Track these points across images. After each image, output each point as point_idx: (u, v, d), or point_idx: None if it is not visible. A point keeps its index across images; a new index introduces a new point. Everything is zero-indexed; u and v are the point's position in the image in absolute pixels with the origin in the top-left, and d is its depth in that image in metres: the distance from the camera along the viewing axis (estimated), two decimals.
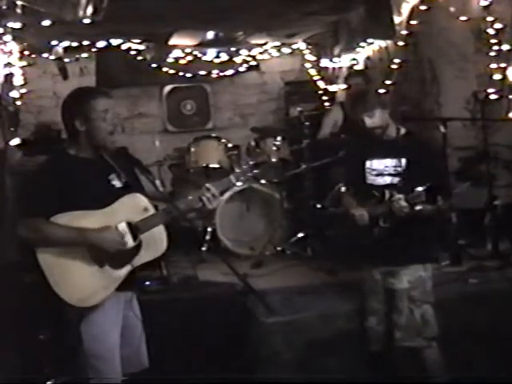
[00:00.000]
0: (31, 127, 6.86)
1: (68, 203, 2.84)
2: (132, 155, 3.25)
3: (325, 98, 7.75)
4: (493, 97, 5.03)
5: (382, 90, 5.07)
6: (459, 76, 5.36)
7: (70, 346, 2.94)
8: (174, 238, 3.02)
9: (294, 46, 8.13)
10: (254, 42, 7.83)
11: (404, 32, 5.77)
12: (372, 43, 6.52)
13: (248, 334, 3.97)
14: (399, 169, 3.57)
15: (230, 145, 5.98)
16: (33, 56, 7.10)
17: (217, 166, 5.78)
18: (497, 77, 5.00)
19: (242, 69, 8.09)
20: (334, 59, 7.51)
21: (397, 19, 5.85)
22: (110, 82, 7.24)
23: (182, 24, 6.68)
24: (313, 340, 3.89)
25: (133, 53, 7.48)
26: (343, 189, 3.91)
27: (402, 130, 3.67)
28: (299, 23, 6.92)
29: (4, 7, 4.74)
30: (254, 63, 8.13)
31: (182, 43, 7.55)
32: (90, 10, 4.88)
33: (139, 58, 7.52)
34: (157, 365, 3.23)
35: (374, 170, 3.64)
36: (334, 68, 7.67)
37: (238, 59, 8.02)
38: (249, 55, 8.04)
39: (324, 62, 7.87)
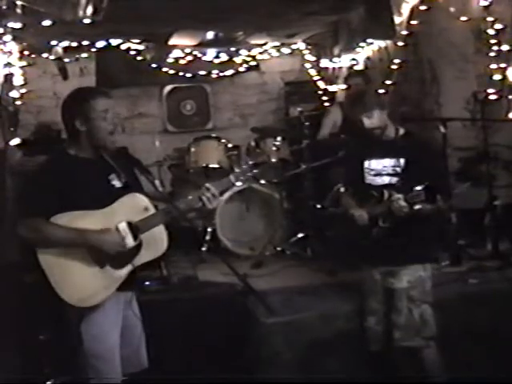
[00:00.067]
0: (31, 127, 6.85)
1: (68, 203, 2.84)
2: (132, 155, 3.25)
3: (325, 98, 7.75)
4: (493, 97, 5.03)
5: (381, 91, 5.07)
6: (459, 76, 5.36)
7: (70, 346, 2.93)
8: (174, 238, 3.02)
9: (294, 46, 8.13)
10: (253, 42, 7.82)
11: (404, 32, 5.77)
12: (372, 43, 6.52)
13: (248, 334, 3.97)
14: (398, 169, 3.58)
15: (229, 145, 5.98)
16: (33, 56, 7.10)
17: (217, 166, 5.78)
18: (497, 77, 5.00)
19: (241, 69, 8.09)
20: (334, 59, 7.51)
21: (397, 19, 5.85)
22: (109, 82, 7.24)
23: (181, 24, 6.68)
24: (313, 340, 3.89)
25: (132, 53, 7.48)
26: (342, 189, 3.91)
27: (401, 131, 3.68)
28: (299, 23, 6.92)
29: (4, 7, 4.74)
30: (253, 63, 8.13)
31: (181, 43, 7.54)
32: (89, 10, 4.89)
33: (139, 58, 7.52)
34: (157, 365, 3.23)
35: (372, 170, 3.64)
36: (333, 68, 7.67)
37: (237, 59, 8.02)
38: (249, 55, 8.05)
39: (324, 62, 7.87)
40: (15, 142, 5.34)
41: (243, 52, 7.99)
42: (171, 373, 3.66)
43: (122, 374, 2.97)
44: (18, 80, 6.16)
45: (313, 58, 8.12)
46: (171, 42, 7.39)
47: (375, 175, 3.63)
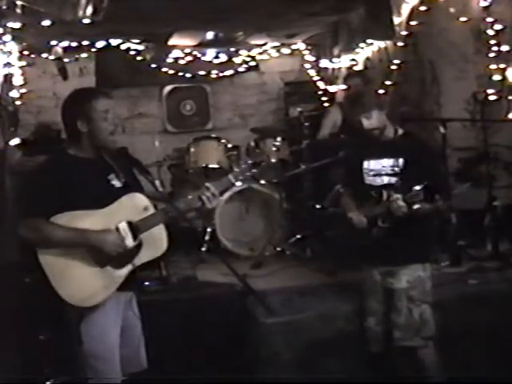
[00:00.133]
0: (31, 127, 6.85)
1: (68, 203, 2.84)
2: (132, 155, 3.25)
3: (324, 98, 7.75)
4: (492, 98, 5.03)
5: (380, 91, 5.08)
6: (459, 77, 5.36)
7: (69, 346, 2.93)
8: (173, 239, 3.02)
9: (294, 47, 8.14)
10: (253, 42, 7.83)
11: (404, 32, 5.77)
12: (372, 44, 6.52)
13: (248, 334, 3.97)
14: (396, 169, 3.58)
15: (229, 145, 5.98)
16: (32, 56, 7.10)
17: (216, 166, 5.79)
18: (497, 78, 5.01)
19: (241, 69, 8.09)
20: (334, 60, 7.51)
21: (396, 20, 5.86)
22: (109, 82, 7.25)
23: (181, 24, 6.69)
24: (312, 340, 3.89)
25: (132, 53, 7.48)
26: (342, 189, 3.91)
27: (400, 131, 3.68)
28: (299, 23, 6.93)
29: (4, 7, 4.74)
30: (253, 63, 8.14)
31: (181, 43, 7.55)
32: (89, 10, 4.89)
33: (139, 58, 7.53)
34: (156, 365, 3.23)
35: (371, 170, 3.64)
36: (333, 68, 7.67)
37: (237, 59, 8.02)
38: (248, 55, 8.05)
39: (323, 63, 7.87)
40: (15, 141, 5.35)
41: (243, 52, 8.00)
42: (171, 373, 3.67)
43: (121, 374, 2.97)
44: (17, 80, 6.17)
45: (312, 59, 8.13)
46: (171, 42, 7.40)
47: (374, 175, 3.63)
